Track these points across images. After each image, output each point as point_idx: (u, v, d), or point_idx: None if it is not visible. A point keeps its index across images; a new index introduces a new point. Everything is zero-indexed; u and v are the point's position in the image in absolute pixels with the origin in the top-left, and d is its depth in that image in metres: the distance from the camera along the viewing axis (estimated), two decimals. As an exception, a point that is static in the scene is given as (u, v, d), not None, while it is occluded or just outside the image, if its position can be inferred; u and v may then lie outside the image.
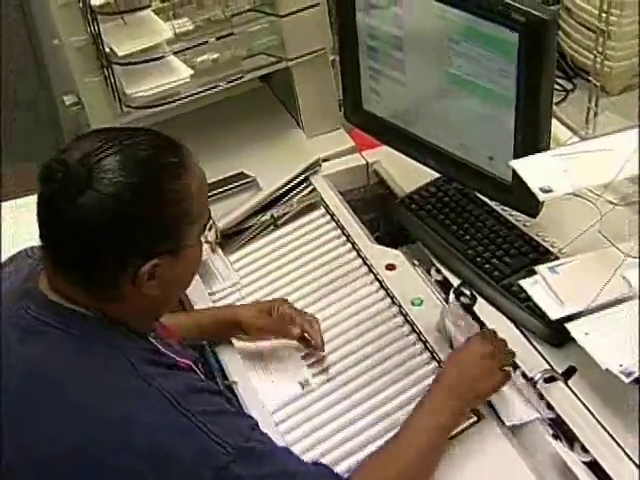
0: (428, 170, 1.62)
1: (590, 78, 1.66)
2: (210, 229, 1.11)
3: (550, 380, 1.29)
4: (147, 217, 1.02)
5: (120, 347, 1.04)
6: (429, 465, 1.19)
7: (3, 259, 1.21)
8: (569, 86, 1.94)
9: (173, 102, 1.64)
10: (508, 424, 1.26)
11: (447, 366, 1.28)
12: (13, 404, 1.02)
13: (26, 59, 2.53)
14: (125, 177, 1.00)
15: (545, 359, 1.34)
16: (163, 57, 1.59)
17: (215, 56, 1.68)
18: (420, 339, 1.42)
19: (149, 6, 1.55)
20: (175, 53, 1.61)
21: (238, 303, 1.54)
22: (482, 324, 1.38)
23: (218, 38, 1.64)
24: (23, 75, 2.54)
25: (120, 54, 1.56)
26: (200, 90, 1.67)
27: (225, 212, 1.68)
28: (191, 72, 1.62)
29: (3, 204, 1.68)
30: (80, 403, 1.00)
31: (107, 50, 1.57)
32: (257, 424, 1.08)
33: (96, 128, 1.10)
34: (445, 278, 1.53)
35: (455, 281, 1.50)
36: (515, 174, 1.32)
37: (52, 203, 1.01)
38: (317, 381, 1.38)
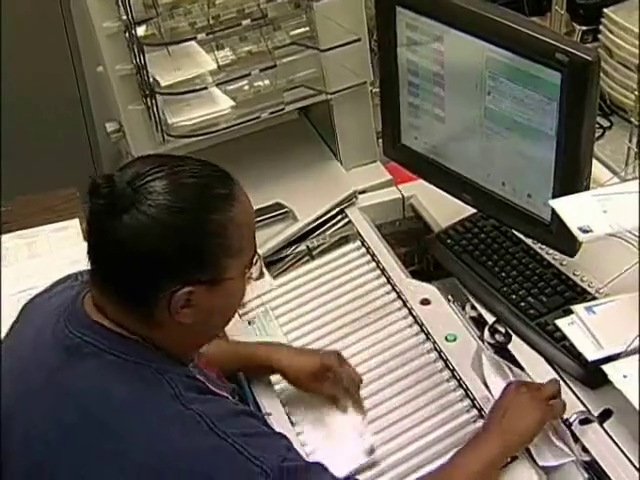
0: (464, 205, 1.62)
1: (632, 119, 1.65)
2: (255, 263, 1.10)
3: (585, 422, 1.28)
4: (185, 244, 1.01)
5: (160, 370, 1.05)
6: None
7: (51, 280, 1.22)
8: (606, 124, 1.95)
9: (213, 132, 1.66)
10: (542, 464, 1.25)
11: (494, 407, 1.29)
12: (52, 425, 1.03)
13: (70, 84, 2.57)
14: (170, 201, 1.01)
15: (580, 400, 1.33)
16: (205, 88, 1.61)
17: (256, 88, 1.70)
18: (454, 375, 1.41)
19: (194, 38, 1.58)
20: (217, 84, 1.63)
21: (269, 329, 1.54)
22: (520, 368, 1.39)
23: (260, 70, 1.66)
24: (64, 100, 2.59)
25: (163, 84, 1.58)
26: (240, 121, 1.69)
27: (260, 242, 1.67)
28: (232, 103, 1.64)
29: (45, 227, 1.70)
30: (120, 427, 1.01)
31: (151, 80, 1.60)
32: (292, 444, 1.08)
33: (149, 154, 1.11)
34: (480, 315, 1.52)
35: (490, 318, 1.49)
36: (554, 213, 1.32)
37: (97, 218, 1.02)
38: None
